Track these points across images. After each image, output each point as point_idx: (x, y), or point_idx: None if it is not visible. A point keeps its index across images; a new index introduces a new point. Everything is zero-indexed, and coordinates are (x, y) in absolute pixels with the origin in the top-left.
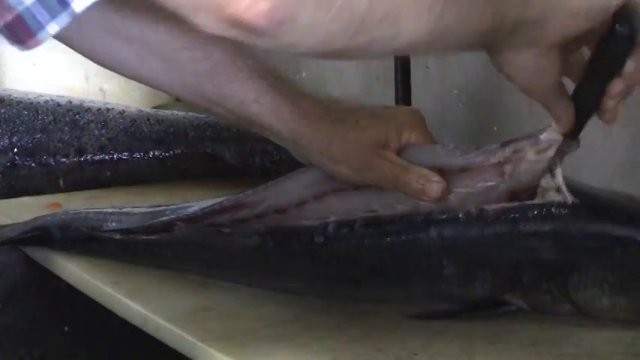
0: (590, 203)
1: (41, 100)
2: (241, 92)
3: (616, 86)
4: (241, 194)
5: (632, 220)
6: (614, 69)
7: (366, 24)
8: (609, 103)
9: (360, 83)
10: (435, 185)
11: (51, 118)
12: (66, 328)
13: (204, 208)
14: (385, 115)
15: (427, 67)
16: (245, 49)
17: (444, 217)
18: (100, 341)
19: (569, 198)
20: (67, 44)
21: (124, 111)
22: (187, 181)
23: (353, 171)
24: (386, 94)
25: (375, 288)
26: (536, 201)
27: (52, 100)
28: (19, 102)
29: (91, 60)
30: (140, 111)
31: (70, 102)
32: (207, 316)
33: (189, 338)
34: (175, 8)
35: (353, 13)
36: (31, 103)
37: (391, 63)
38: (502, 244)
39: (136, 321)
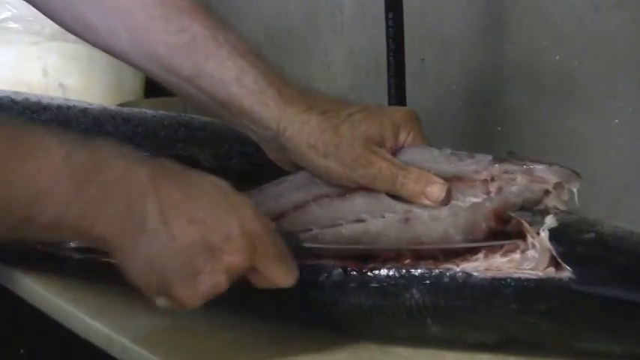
0: (585, 274)
1: None
2: (221, 70)
3: None
4: None
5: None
6: None
7: None
8: None
9: (348, 79)
10: (437, 187)
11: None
12: (21, 350)
13: None
14: (380, 111)
15: (423, 60)
16: (226, 24)
17: (428, 279)
18: None
19: (565, 271)
20: (30, 3)
21: (86, 109)
22: None
23: (344, 167)
24: (377, 91)
25: (356, 333)
26: (527, 274)
27: (7, 96)
28: None
29: (55, 22)
30: (104, 109)
31: (27, 99)
32: (177, 336)
33: None
34: None
35: None
36: None
37: (383, 56)
38: (491, 313)
39: (100, 342)
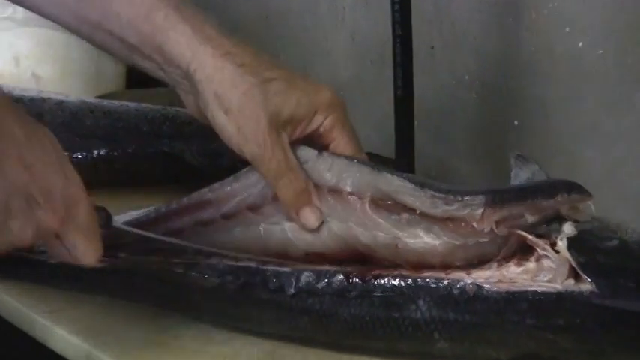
0: (608, 286)
1: None
2: (129, 9)
3: None
4: (206, 189)
5: None
6: None
7: None
8: None
9: (351, 67)
10: (313, 215)
11: None
12: None
13: (159, 210)
14: (302, 87)
15: (432, 48)
16: None
17: (437, 290)
18: None
19: (586, 283)
20: None
21: (62, 101)
22: (140, 187)
23: (239, 134)
24: (382, 81)
25: (357, 347)
26: (544, 287)
27: None
28: None
29: None
30: (82, 101)
31: None
32: (163, 352)
33: None
34: None
35: None
36: None
37: (389, 43)
38: (505, 328)
39: (79, 358)
